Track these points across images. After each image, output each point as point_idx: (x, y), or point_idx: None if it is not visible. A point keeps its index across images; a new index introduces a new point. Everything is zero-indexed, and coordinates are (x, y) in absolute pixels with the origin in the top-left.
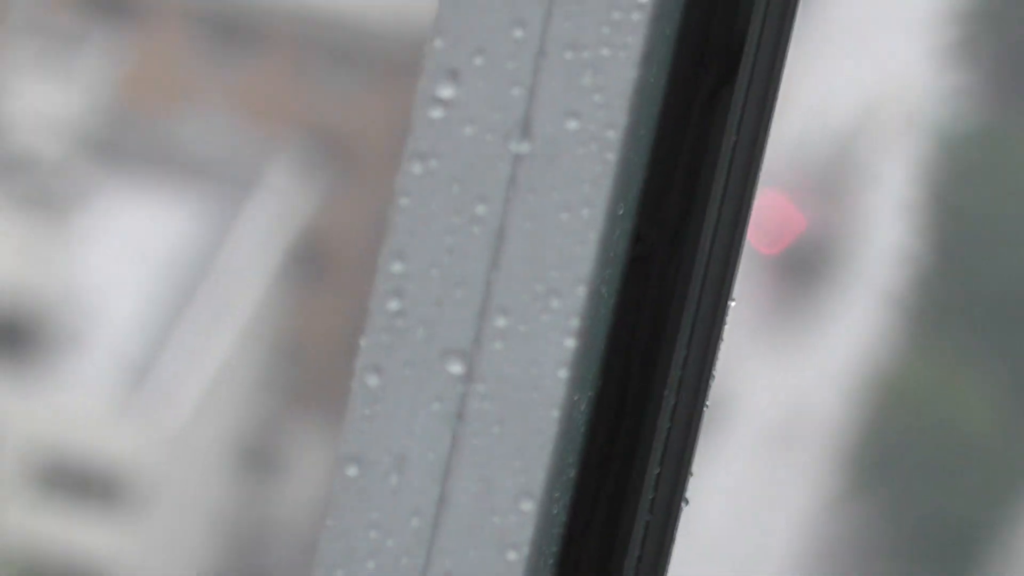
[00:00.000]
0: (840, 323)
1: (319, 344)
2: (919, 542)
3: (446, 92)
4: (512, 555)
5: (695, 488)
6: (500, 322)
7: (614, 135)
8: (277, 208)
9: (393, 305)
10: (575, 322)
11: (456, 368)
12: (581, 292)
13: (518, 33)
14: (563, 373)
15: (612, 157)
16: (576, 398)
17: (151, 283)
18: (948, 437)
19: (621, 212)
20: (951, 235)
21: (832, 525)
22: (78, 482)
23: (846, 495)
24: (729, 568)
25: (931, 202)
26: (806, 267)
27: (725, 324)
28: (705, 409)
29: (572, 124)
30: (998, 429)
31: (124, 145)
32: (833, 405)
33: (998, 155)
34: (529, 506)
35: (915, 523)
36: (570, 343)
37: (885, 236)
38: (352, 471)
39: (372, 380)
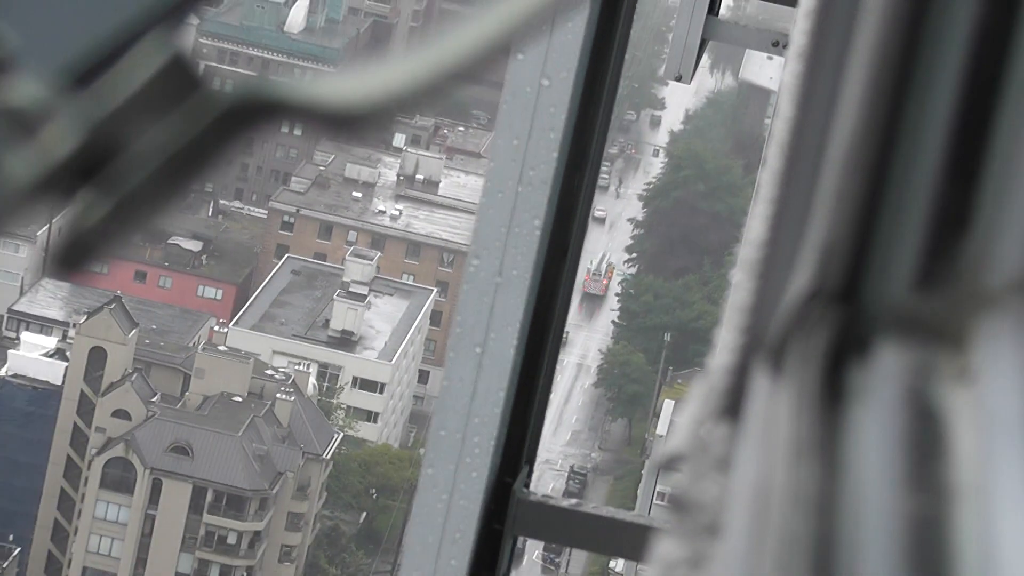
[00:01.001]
0: (596, 328)
1: (441, 343)
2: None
3: (475, 262)
4: (502, 399)
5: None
6: (492, 335)
7: (528, 274)
8: (428, 303)
9: (457, 331)
10: (517, 335)
11: (478, 350)
12: (517, 326)
13: (497, 243)
14: (512, 351)
15: (527, 289)
16: (518, 359)
17: (394, 323)
18: (627, 372)
19: (530, 306)
20: (640, 308)
21: (581, 396)
22: (356, 383)
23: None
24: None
25: (630, 297)
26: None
27: (565, 330)
28: (558, 360)
29: (514, 272)
30: (646, 372)
31: (383, 286)
32: (594, 356)
33: (657, 286)
34: (504, 390)
35: (623, 390)
36: (516, 342)
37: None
38: (446, 383)
39: (452, 355)
